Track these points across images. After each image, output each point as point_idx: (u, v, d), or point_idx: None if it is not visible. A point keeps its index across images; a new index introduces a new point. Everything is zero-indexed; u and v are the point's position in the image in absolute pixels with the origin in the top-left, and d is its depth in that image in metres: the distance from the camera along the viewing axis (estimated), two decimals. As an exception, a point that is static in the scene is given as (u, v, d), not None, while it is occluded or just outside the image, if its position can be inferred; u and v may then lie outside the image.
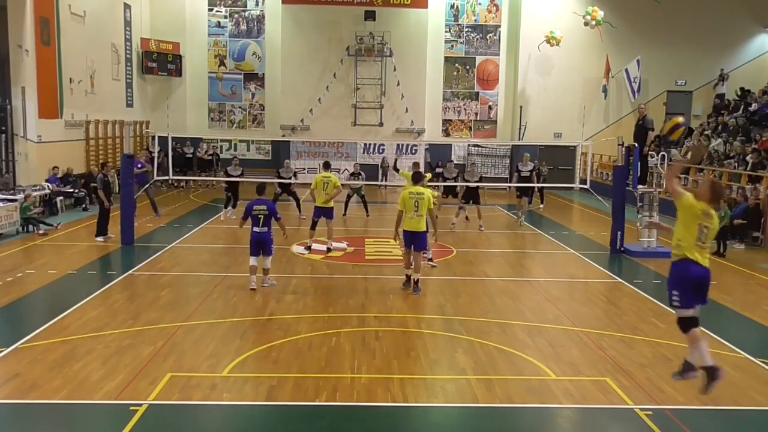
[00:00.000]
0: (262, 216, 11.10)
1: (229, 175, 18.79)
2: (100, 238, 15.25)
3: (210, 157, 28.06)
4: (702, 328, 6.37)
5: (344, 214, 19.38)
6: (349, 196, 19.77)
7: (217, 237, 16.56)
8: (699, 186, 7.02)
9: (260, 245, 11.20)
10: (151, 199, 18.80)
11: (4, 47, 19.22)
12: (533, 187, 20.66)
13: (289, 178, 19.58)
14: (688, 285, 6.09)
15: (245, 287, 11.45)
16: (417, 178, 11.54)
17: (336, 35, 28.67)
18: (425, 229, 11.33)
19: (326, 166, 15.99)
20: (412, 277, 11.42)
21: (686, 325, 6.13)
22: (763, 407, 7.17)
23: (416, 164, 15.17)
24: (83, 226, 17.28)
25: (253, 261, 11.25)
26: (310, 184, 15.49)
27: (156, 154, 20.71)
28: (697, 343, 6.10)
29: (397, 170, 16.32)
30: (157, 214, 18.83)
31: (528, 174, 19.54)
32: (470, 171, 19.43)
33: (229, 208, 18.74)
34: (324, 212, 14.61)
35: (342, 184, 15.71)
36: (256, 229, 11.18)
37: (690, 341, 6.17)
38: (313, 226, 14.79)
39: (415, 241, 11.18)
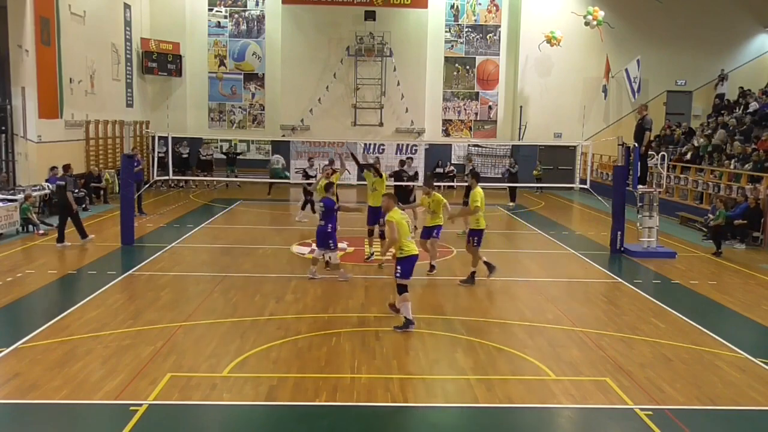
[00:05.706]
0: (320, 211, 12.32)
1: (308, 177, 19.45)
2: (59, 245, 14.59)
3: (210, 158, 28.08)
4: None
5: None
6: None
7: (216, 237, 16.56)
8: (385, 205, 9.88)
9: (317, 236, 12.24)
10: (138, 196, 18.66)
11: (4, 47, 19.21)
12: None
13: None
14: (410, 267, 9.48)
15: (245, 287, 11.49)
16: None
17: (336, 35, 28.68)
18: None
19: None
20: None
21: (402, 289, 9.41)
22: (763, 407, 7.17)
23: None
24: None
25: (316, 253, 12.45)
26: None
27: (161, 154, 20.66)
28: (406, 303, 9.40)
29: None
30: (141, 212, 18.75)
31: None
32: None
33: (305, 210, 18.79)
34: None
35: None
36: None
37: (402, 300, 9.43)
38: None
39: None
